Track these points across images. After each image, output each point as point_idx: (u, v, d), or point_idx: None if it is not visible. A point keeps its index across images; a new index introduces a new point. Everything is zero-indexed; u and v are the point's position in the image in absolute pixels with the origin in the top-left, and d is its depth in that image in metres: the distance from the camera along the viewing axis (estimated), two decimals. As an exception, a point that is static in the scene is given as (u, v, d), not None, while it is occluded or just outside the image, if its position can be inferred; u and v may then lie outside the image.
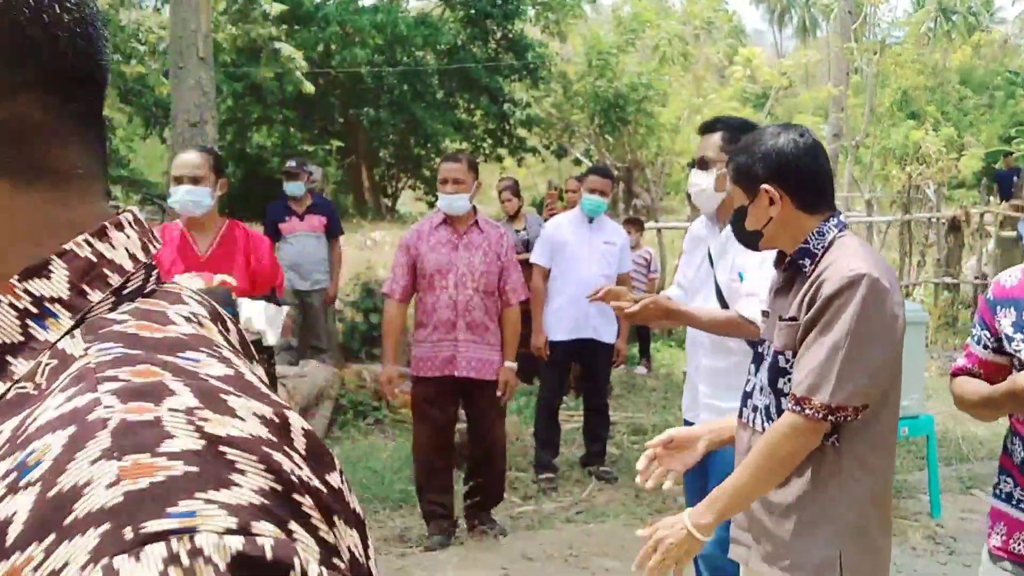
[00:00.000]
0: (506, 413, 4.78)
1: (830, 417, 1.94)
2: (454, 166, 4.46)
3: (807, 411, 1.95)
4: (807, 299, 2.02)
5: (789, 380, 2.05)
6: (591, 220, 5.64)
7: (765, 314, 2.24)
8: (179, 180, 3.55)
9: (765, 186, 2.10)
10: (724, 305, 2.97)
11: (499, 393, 4.53)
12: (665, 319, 3.10)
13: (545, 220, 7.26)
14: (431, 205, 23.35)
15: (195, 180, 3.54)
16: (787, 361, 2.07)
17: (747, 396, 2.22)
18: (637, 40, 18.93)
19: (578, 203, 6.33)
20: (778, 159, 2.10)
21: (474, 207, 4.56)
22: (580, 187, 6.57)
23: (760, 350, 2.21)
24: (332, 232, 7.32)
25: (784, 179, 2.09)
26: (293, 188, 7.17)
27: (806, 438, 1.97)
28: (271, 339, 3.43)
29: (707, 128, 3.18)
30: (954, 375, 2.38)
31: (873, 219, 12.23)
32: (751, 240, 2.21)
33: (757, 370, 2.19)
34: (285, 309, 3.52)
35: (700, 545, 2.05)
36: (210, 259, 3.58)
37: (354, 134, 21.98)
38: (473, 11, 21.27)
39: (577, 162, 24.03)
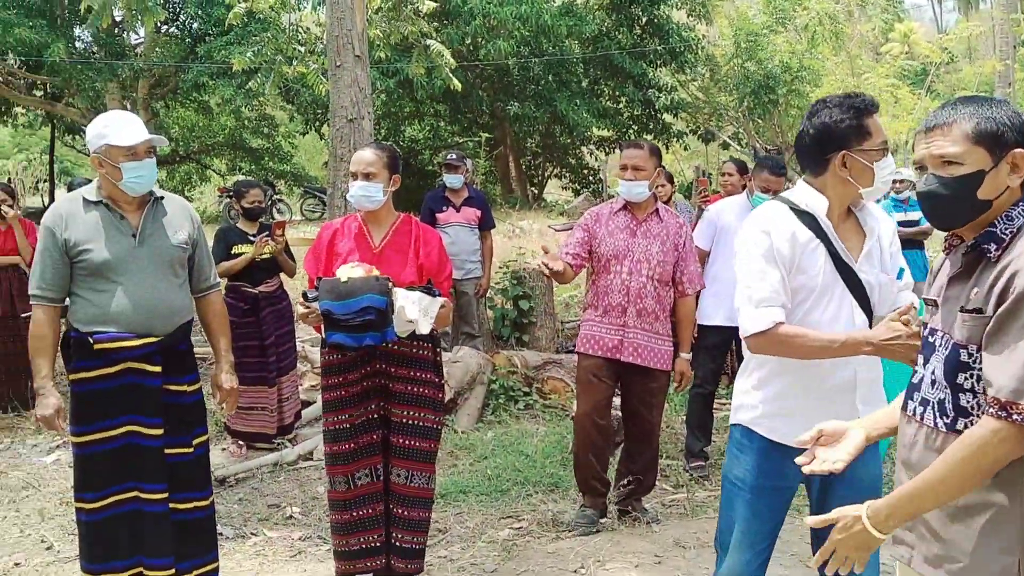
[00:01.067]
0: (664, 402, 4.79)
1: None
2: (635, 152, 4.48)
3: (1015, 416, 1.81)
4: (997, 290, 1.88)
5: (970, 375, 1.93)
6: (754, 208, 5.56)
7: (932, 303, 2.09)
8: (354, 176, 3.73)
9: (1020, 150, 1.94)
10: (867, 308, 2.72)
11: (675, 384, 4.59)
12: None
13: (698, 207, 7.20)
14: (577, 193, 23.44)
15: (368, 176, 3.71)
16: (970, 356, 1.93)
17: (914, 388, 2.10)
18: (788, 20, 18.36)
19: (733, 189, 6.26)
20: None
21: (654, 195, 4.58)
22: (736, 172, 6.47)
23: (932, 340, 2.06)
24: (485, 225, 7.50)
25: None
26: (452, 180, 7.37)
27: (1014, 445, 1.83)
28: (423, 328, 3.56)
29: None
30: None
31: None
32: (947, 216, 2.03)
33: (926, 361, 2.06)
34: (440, 300, 3.63)
35: (878, 543, 1.98)
36: (382, 251, 3.75)
37: (501, 125, 22.27)
38: (618, -2, 21.15)
39: (725, 146, 23.58)
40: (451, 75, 11.30)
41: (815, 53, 17.71)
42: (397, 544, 3.76)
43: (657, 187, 7.46)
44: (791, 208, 2.71)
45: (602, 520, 4.66)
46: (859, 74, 17.46)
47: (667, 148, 23.67)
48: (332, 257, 3.75)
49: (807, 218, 2.68)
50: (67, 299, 3.48)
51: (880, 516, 1.96)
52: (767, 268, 2.65)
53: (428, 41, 11.22)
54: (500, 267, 8.38)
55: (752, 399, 2.79)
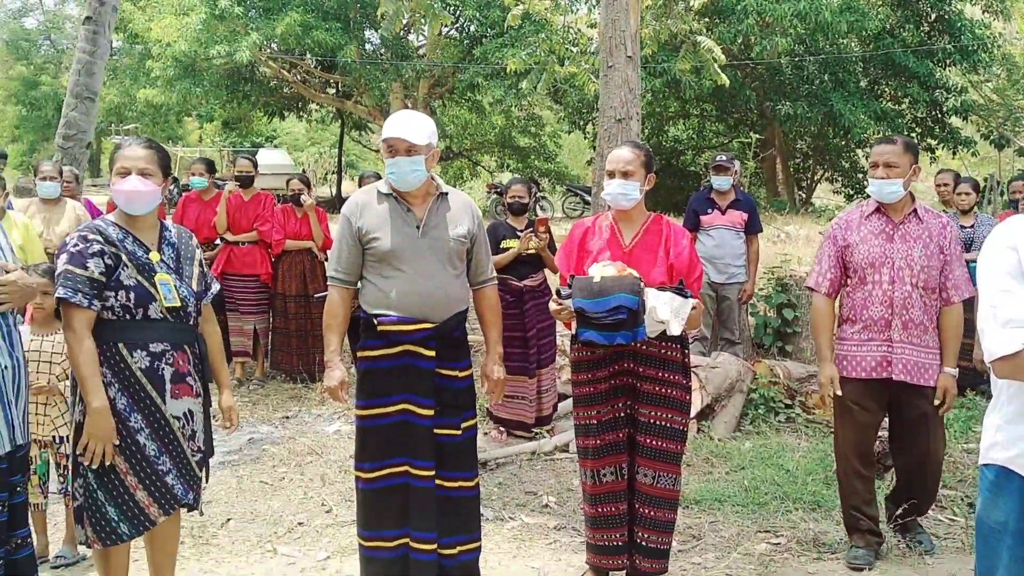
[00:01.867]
0: (943, 423, 4.41)
1: None
2: (887, 148, 4.15)
3: None
4: None
5: None
6: None
7: None
8: (611, 174, 3.77)
9: None
10: None
11: (936, 402, 4.16)
12: None
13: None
14: (849, 198, 22.28)
15: (626, 175, 3.75)
16: None
17: None
18: (1106, 13, 16.45)
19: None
20: None
21: (911, 194, 4.23)
22: None
23: None
24: (751, 228, 7.31)
25: None
26: (721, 182, 7.25)
27: None
28: (674, 329, 3.53)
29: None
30: None
31: None
32: None
33: None
34: (691, 301, 3.58)
35: None
36: (633, 250, 3.77)
37: (770, 125, 21.60)
38: (904, -8, 19.87)
39: (1021, 152, 21.53)
40: (719, 71, 11.07)
41: None
42: (643, 544, 3.76)
43: (960, 195, 6.99)
44: None
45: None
46: None
47: (953, 154, 21.96)
48: (583, 255, 3.81)
49: None
50: (359, 283, 3.75)
51: None
52: (1014, 285, 2.35)
53: (698, 37, 11.06)
54: (764, 273, 8.14)
55: (1007, 435, 2.46)
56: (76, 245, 3.24)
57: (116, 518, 3.24)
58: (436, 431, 3.64)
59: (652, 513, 3.74)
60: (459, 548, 3.68)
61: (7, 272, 2.90)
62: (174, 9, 21.16)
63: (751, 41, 18.82)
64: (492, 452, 5.77)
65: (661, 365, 3.72)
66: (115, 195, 3.35)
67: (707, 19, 18.33)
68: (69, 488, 3.80)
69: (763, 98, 20.99)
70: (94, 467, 3.20)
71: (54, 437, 4.14)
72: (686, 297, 3.59)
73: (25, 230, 5.46)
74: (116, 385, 3.23)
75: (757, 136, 19.64)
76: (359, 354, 3.72)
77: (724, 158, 7.36)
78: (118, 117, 31.78)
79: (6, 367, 2.84)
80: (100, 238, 3.27)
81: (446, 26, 21.70)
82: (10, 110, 41.11)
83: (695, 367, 6.21)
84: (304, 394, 7.33)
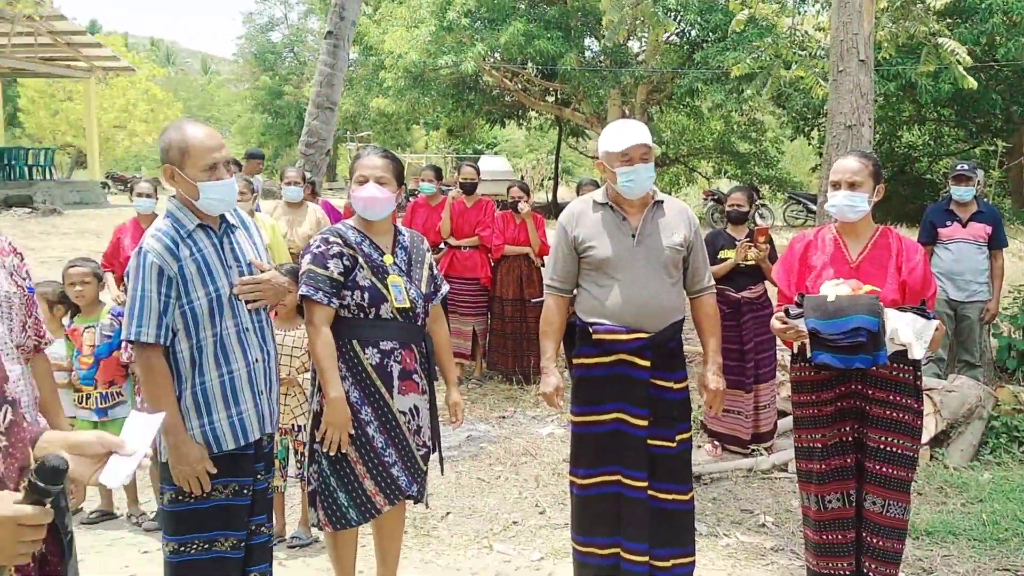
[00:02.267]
0: None
1: None
2: None
3: None
4: None
5: None
6: None
7: None
8: (836, 185, 3.60)
9: None
10: None
11: None
12: None
13: None
14: (1109, 212, 20.20)
15: (853, 185, 3.56)
16: None
17: None
18: None
19: None
20: None
21: None
22: None
23: None
24: (995, 243, 6.76)
25: None
26: (962, 193, 6.76)
27: None
28: (917, 352, 3.32)
29: None
30: None
31: None
32: None
33: None
34: (935, 323, 3.35)
35: None
36: (860, 265, 3.57)
37: (1017, 132, 19.94)
38: None
39: None
40: (965, 74, 10.33)
41: None
42: (870, 574, 3.56)
43: None
44: None
45: None
46: None
47: None
48: (805, 270, 3.64)
49: None
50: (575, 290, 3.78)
51: None
52: None
53: (940, 39, 10.37)
54: (1010, 291, 7.52)
55: None
56: (318, 247, 3.47)
57: (346, 504, 3.44)
58: (650, 442, 3.61)
59: (880, 543, 3.54)
60: (673, 561, 3.63)
61: (262, 271, 3.15)
62: (406, 22, 22.24)
63: (996, 41, 17.47)
64: (707, 467, 5.66)
65: (892, 387, 3.51)
66: (354, 201, 3.57)
67: (948, 19, 17.16)
68: (305, 473, 4.07)
69: (1010, 102, 19.40)
70: (330, 454, 3.41)
71: (293, 425, 4.46)
72: (929, 318, 3.36)
73: (272, 231, 5.91)
74: (350, 379, 3.43)
75: (1003, 143, 18.14)
76: (574, 361, 3.75)
77: (966, 167, 6.85)
78: (353, 125, 33.78)
79: (257, 360, 3.08)
80: (340, 241, 3.49)
81: (667, 32, 21.54)
82: (257, 118, 44.76)
83: (929, 390, 5.83)
84: (519, 395, 7.49)
